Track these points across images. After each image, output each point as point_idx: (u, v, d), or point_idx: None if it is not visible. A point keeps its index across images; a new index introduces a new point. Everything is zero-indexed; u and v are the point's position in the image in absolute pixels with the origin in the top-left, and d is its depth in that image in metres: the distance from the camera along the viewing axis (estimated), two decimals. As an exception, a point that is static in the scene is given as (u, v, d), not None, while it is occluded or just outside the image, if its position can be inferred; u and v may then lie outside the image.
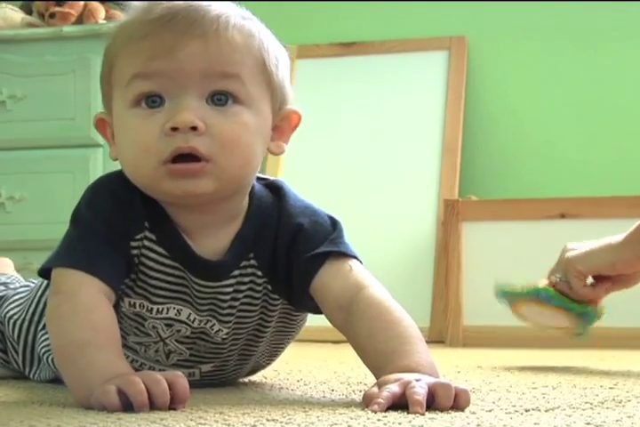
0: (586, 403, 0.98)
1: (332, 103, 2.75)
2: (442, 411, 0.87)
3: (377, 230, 2.65)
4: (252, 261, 1.08)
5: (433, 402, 0.88)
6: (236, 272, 1.07)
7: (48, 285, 1.25)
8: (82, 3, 2.63)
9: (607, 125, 2.71)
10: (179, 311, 1.08)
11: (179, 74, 0.98)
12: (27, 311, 1.25)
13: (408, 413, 0.85)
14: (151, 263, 1.06)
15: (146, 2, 1.04)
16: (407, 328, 1.00)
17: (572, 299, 1.56)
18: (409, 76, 2.79)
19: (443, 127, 2.72)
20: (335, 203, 2.66)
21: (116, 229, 1.03)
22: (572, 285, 1.52)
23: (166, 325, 1.09)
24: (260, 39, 1.04)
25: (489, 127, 2.78)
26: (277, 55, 1.06)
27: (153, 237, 1.05)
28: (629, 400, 1.01)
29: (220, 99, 0.99)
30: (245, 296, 1.09)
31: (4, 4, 2.68)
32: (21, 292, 1.32)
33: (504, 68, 2.79)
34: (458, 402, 0.89)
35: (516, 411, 0.90)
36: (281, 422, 0.81)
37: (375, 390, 0.90)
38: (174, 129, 0.97)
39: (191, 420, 0.82)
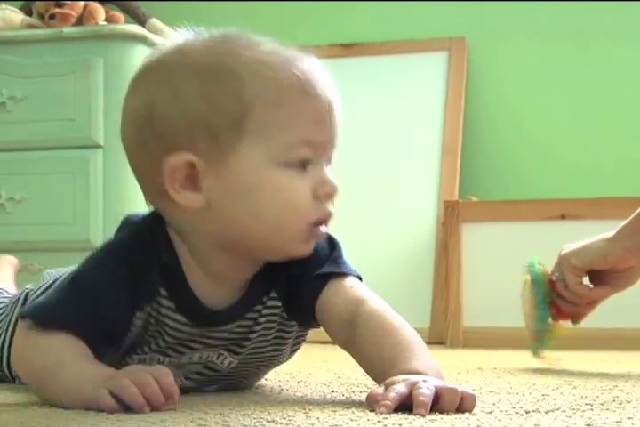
0: (586, 404, 0.98)
1: (332, 104, 2.76)
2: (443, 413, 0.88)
3: (377, 231, 2.65)
4: (273, 294, 1.07)
5: (437, 404, 0.88)
6: (259, 307, 1.07)
7: (25, 302, 1.24)
8: (82, 4, 2.63)
9: (607, 126, 2.71)
10: (190, 358, 1.07)
11: (329, 144, 1.00)
12: (7, 325, 1.25)
13: (411, 413, 0.86)
14: (170, 329, 1.04)
15: (272, 47, 1.03)
16: (409, 335, 1.01)
17: (551, 302, 1.55)
18: (409, 77, 2.79)
19: (443, 128, 2.72)
20: (335, 204, 2.66)
21: (121, 301, 1.00)
22: (568, 281, 1.52)
23: (175, 366, 1.07)
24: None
25: (489, 128, 2.78)
26: None
27: (172, 306, 1.02)
28: (629, 402, 1.01)
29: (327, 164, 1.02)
30: (263, 328, 1.08)
31: (3, 5, 2.68)
32: (1, 303, 1.31)
33: (504, 68, 2.79)
34: (462, 406, 0.89)
35: (517, 412, 0.90)
36: (281, 423, 0.81)
37: (380, 390, 0.90)
38: (328, 195, 1.00)
39: (191, 421, 0.82)
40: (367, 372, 1.01)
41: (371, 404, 0.90)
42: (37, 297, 1.20)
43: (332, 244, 1.09)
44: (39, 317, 0.97)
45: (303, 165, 0.98)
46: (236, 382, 1.15)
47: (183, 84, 0.97)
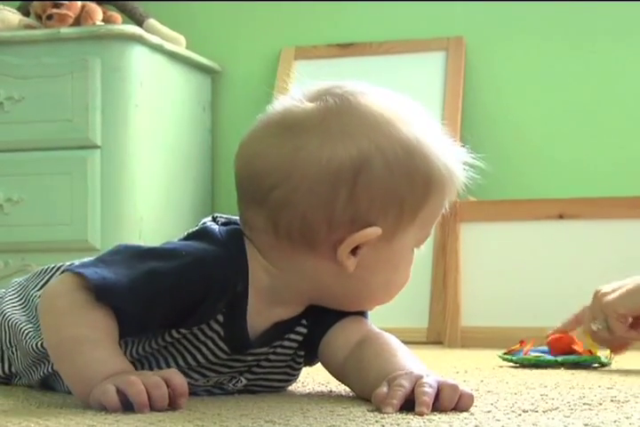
0: (584, 404, 0.98)
1: (329, 104, 2.75)
2: (441, 411, 0.88)
3: (375, 231, 2.65)
4: (304, 321, 1.07)
5: (436, 400, 0.88)
6: (291, 336, 1.07)
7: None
8: (79, 4, 2.63)
9: (605, 126, 2.71)
10: (208, 380, 1.07)
11: None
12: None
13: (411, 411, 0.86)
14: (205, 351, 1.03)
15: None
16: (408, 353, 1.02)
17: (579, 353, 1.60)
18: (406, 76, 2.79)
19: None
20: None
21: (174, 317, 0.99)
22: (616, 329, 1.51)
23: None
24: None
25: (486, 128, 2.78)
26: None
27: (220, 332, 1.02)
28: (628, 401, 1.01)
29: None
30: (282, 353, 1.08)
31: (1, 6, 2.68)
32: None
33: (502, 68, 2.79)
34: (459, 404, 0.89)
35: (514, 412, 0.90)
36: (279, 423, 0.81)
37: (385, 389, 0.90)
38: None
39: (189, 421, 0.82)
40: (362, 389, 1.00)
41: (377, 404, 0.89)
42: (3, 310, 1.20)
43: None
44: (101, 289, 0.94)
45: None
46: None
47: (396, 155, 0.97)
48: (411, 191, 0.98)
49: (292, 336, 1.07)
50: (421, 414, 0.85)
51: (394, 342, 1.04)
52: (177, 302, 0.98)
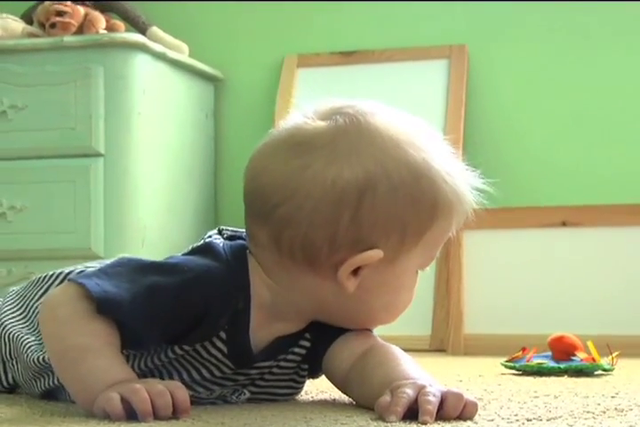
0: (587, 412, 0.98)
1: (332, 112, 2.75)
2: (445, 420, 0.88)
3: (378, 239, 2.65)
4: (307, 335, 1.07)
5: (441, 409, 0.88)
6: (293, 349, 1.07)
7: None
8: (82, 13, 2.63)
9: (608, 133, 2.71)
10: (211, 393, 1.07)
11: None
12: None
13: (415, 420, 0.86)
14: (210, 366, 1.03)
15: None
16: (412, 362, 1.02)
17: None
18: (409, 84, 2.79)
19: (443, 135, 2.71)
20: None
21: (177, 332, 0.99)
22: None
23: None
24: None
25: (489, 135, 2.78)
26: None
27: (224, 349, 1.02)
28: (631, 409, 1.01)
29: None
30: (286, 366, 1.08)
31: (4, 15, 2.68)
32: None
33: (504, 76, 2.79)
34: (463, 413, 0.89)
35: (518, 420, 0.90)
36: (282, 432, 0.81)
37: (388, 398, 0.90)
38: None
39: (192, 430, 0.82)
40: (366, 398, 0.99)
41: (380, 412, 0.89)
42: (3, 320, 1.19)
43: None
44: (103, 302, 0.94)
45: None
46: None
47: (402, 178, 0.98)
48: (415, 215, 0.98)
49: (296, 350, 1.07)
50: (425, 423, 0.85)
51: (397, 351, 1.04)
52: (177, 318, 0.98)
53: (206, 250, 1.03)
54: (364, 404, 1.01)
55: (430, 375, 0.99)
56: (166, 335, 0.99)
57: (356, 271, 0.99)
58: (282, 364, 1.08)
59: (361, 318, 1.04)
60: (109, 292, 0.95)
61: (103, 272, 0.98)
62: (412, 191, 0.97)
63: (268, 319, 1.03)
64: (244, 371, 1.05)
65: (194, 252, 1.04)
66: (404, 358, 1.02)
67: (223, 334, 1.02)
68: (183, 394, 0.89)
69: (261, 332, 1.03)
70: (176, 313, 0.97)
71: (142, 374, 1.03)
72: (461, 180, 1.03)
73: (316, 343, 1.07)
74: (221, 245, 1.03)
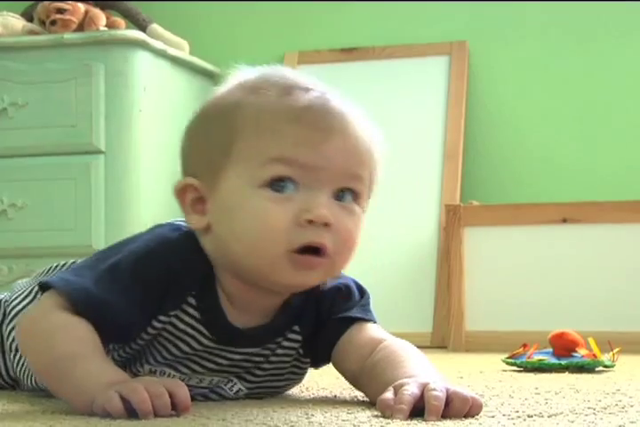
0: (588, 408, 0.98)
1: (333, 109, 2.75)
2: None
3: (379, 236, 2.64)
4: (296, 328, 1.08)
5: (445, 409, 0.88)
6: (280, 339, 1.07)
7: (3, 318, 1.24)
8: (83, 10, 2.63)
9: (609, 130, 2.71)
10: (201, 380, 1.07)
11: (320, 167, 0.98)
12: None
13: (420, 417, 0.86)
14: (188, 339, 1.03)
15: (280, 77, 1.02)
16: (421, 357, 1.02)
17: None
18: (410, 81, 2.79)
19: (444, 132, 2.72)
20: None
21: (148, 303, 1.00)
22: None
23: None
24: (376, 139, 1.06)
25: (490, 132, 2.78)
26: (380, 156, 1.07)
27: (197, 315, 1.03)
28: (632, 406, 1.01)
29: (344, 196, 1.00)
30: (280, 361, 1.09)
31: (4, 12, 2.68)
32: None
33: (505, 72, 2.79)
34: (467, 413, 0.89)
35: (519, 417, 0.90)
36: (283, 428, 0.81)
37: (390, 395, 0.90)
38: (310, 222, 0.96)
39: (194, 427, 0.82)
40: (374, 398, 0.99)
41: (383, 409, 0.89)
42: (14, 307, 1.20)
43: (361, 291, 1.12)
44: (74, 296, 0.97)
45: (277, 184, 0.98)
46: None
47: (196, 124, 1.05)
48: (214, 145, 1.01)
49: (286, 344, 1.08)
50: (433, 421, 0.85)
51: (407, 349, 1.04)
52: (146, 288, 1.00)
53: (160, 226, 1.08)
54: (374, 401, 1.01)
55: (437, 372, 0.99)
56: (144, 309, 1.00)
57: (203, 210, 1.01)
58: (272, 359, 1.08)
59: (232, 259, 1.01)
60: (75, 283, 0.98)
61: (74, 270, 1.03)
62: (207, 128, 1.02)
63: (234, 284, 1.03)
64: (227, 353, 1.05)
65: (149, 230, 1.08)
66: (412, 356, 1.02)
67: (192, 300, 1.02)
68: (184, 392, 0.89)
69: (233, 311, 1.03)
70: (142, 283, 1.00)
71: (126, 359, 1.04)
72: (266, 93, 1.01)
73: (311, 337, 1.08)
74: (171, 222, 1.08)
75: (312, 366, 1.13)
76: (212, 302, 1.03)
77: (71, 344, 0.94)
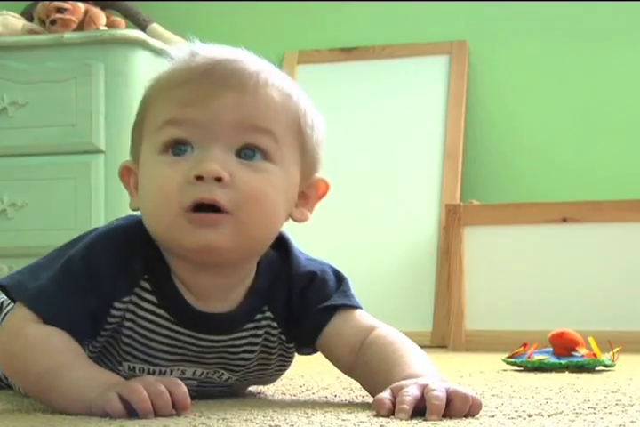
0: (589, 408, 0.98)
1: (332, 109, 2.75)
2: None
3: (379, 235, 2.65)
4: (268, 313, 1.07)
5: (446, 409, 0.88)
6: (250, 325, 1.06)
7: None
8: (83, 9, 2.63)
9: (608, 129, 2.71)
10: (183, 371, 1.06)
11: (210, 123, 0.97)
12: None
13: (419, 417, 0.86)
14: (152, 326, 1.03)
15: (190, 49, 1.02)
16: (417, 351, 1.01)
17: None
18: (410, 80, 2.79)
19: (444, 132, 2.72)
20: (337, 208, 2.67)
21: (102, 289, 1.00)
22: None
23: None
24: (298, 101, 1.02)
25: (490, 132, 2.78)
26: (314, 121, 1.04)
27: (154, 300, 1.02)
28: (632, 405, 1.01)
29: (248, 153, 0.98)
30: (263, 349, 1.08)
31: (4, 12, 2.68)
32: None
33: (505, 72, 2.79)
34: (468, 413, 0.89)
35: (519, 416, 0.90)
36: (284, 428, 0.81)
37: (387, 395, 0.90)
38: (199, 178, 0.95)
39: (194, 426, 0.82)
40: (373, 390, 1.00)
41: (378, 409, 0.89)
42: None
43: (338, 277, 1.09)
44: (37, 304, 0.98)
45: (174, 147, 0.98)
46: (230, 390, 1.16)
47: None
48: (136, 122, 1.03)
49: (259, 331, 1.06)
50: (434, 420, 0.85)
51: (401, 339, 1.03)
52: (101, 276, 1.00)
53: (118, 218, 1.10)
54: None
55: (433, 368, 0.98)
56: (101, 297, 1.00)
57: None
58: (252, 348, 1.06)
59: (152, 233, 1.01)
60: (35, 289, 0.99)
61: (29, 270, 1.04)
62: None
63: (203, 282, 1.02)
64: (197, 340, 1.04)
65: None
66: (409, 352, 1.01)
67: (146, 285, 1.02)
68: (182, 391, 0.89)
69: (207, 294, 1.03)
70: (94, 272, 1.00)
71: (94, 358, 1.04)
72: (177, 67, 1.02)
73: (290, 324, 1.06)
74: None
75: (296, 351, 1.12)
76: (166, 285, 1.02)
77: (52, 357, 0.94)
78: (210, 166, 0.95)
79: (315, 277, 1.07)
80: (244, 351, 1.07)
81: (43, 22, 2.64)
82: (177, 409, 0.88)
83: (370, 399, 1.03)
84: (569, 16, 2.74)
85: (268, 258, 1.07)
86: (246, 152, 0.98)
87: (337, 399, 1.09)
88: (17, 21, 2.66)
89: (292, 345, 1.10)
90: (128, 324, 1.03)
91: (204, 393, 1.09)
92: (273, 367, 1.12)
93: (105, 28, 2.63)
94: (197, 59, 1.00)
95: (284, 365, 1.13)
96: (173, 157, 0.97)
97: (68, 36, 2.52)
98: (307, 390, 1.22)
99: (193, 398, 0.91)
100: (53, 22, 2.59)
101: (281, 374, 1.17)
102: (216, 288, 1.03)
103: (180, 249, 0.99)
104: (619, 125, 2.70)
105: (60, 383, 0.92)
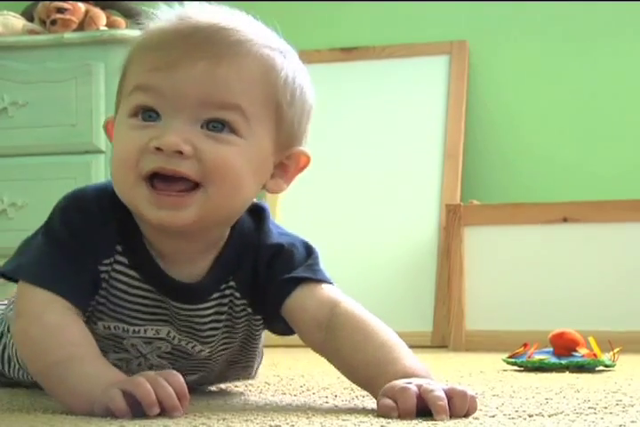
0: (589, 408, 0.98)
1: (332, 109, 2.76)
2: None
3: (379, 236, 2.65)
4: (231, 283, 1.06)
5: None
6: (216, 295, 1.06)
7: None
8: (83, 9, 2.63)
9: (609, 129, 2.71)
10: (157, 331, 1.07)
11: (175, 95, 0.95)
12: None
13: (419, 417, 0.86)
14: (124, 287, 1.04)
15: (180, 12, 1.00)
16: (388, 336, 0.99)
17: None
18: (410, 80, 2.79)
19: (444, 132, 2.72)
20: (337, 208, 2.67)
21: (87, 250, 1.01)
22: None
23: (145, 342, 1.08)
24: (280, 73, 1.00)
25: (490, 132, 2.78)
26: (295, 92, 1.02)
27: (125, 261, 1.03)
28: (633, 405, 1.01)
29: (215, 126, 0.96)
30: (227, 319, 1.08)
31: (5, 11, 2.68)
32: None
33: (505, 72, 2.79)
34: (468, 411, 0.89)
35: (520, 416, 0.90)
36: (284, 428, 0.81)
37: (389, 400, 0.89)
38: (158, 149, 0.94)
39: (194, 426, 0.82)
40: (346, 376, 1.00)
41: (388, 413, 0.88)
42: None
43: (308, 250, 1.07)
44: (24, 277, 1.00)
45: (143, 113, 0.97)
46: (215, 376, 1.16)
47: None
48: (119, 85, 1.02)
49: (224, 300, 1.06)
50: (443, 420, 0.85)
51: (365, 322, 1.00)
52: (80, 234, 1.01)
53: None
54: (347, 379, 1.01)
55: (412, 355, 0.97)
56: (92, 257, 1.01)
57: None
58: (220, 318, 1.07)
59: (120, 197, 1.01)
60: (15, 265, 1.02)
61: (15, 254, 1.07)
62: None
63: (169, 246, 1.03)
64: (185, 311, 1.05)
65: None
66: (380, 341, 0.98)
67: (119, 247, 1.02)
68: (179, 381, 0.89)
69: (175, 259, 1.03)
70: (77, 233, 1.01)
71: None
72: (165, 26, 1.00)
73: (255, 296, 1.06)
74: None
75: (267, 328, 1.11)
76: (138, 248, 1.02)
77: (66, 348, 0.95)
78: (169, 139, 0.94)
79: (282, 249, 1.05)
80: (212, 321, 1.07)
81: (43, 22, 2.64)
82: (178, 397, 0.88)
83: (370, 400, 1.03)
84: (568, 16, 2.74)
85: (242, 228, 1.06)
86: (214, 124, 0.96)
87: (337, 399, 1.09)
88: (17, 21, 2.66)
89: (259, 317, 1.09)
90: (104, 283, 1.03)
91: (181, 369, 1.07)
92: (239, 342, 1.11)
93: (105, 29, 2.63)
94: (181, 22, 0.98)
95: (253, 344, 1.13)
96: (141, 122, 0.97)
97: (69, 36, 2.53)
98: (307, 390, 1.22)
99: (190, 391, 0.91)
100: (54, 22, 2.59)
101: (254, 363, 1.17)
102: (182, 253, 1.03)
103: (141, 216, 1.00)
104: (619, 125, 2.70)
105: (68, 377, 0.93)
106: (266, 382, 1.32)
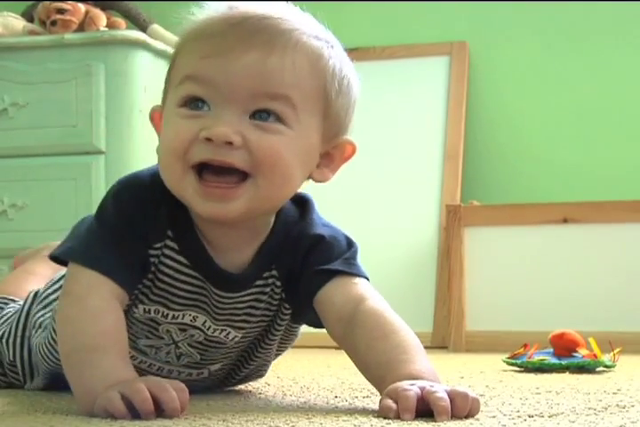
0: (589, 409, 0.98)
1: (333, 109, 2.75)
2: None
3: (379, 236, 2.65)
4: (274, 272, 1.07)
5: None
6: (259, 282, 1.07)
7: (33, 300, 1.24)
8: (83, 10, 2.63)
9: (609, 130, 2.71)
10: (194, 318, 1.07)
11: (227, 86, 0.95)
12: (15, 328, 1.25)
13: (422, 418, 0.86)
14: (171, 272, 1.04)
15: (229, 3, 1.00)
16: (406, 337, 1.00)
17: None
18: (410, 81, 2.79)
19: (444, 132, 2.72)
20: (337, 208, 2.67)
21: (138, 234, 1.01)
22: None
23: (180, 329, 1.09)
24: (328, 63, 1.00)
25: (490, 132, 2.78)
26: (342, 82, 1.02)
27: (175, 247, 1.03)
28: (633, 406, 1.01)
29: (263, 115, 0.96)
30: (266, 308, 1.09)
31: (5, 12, 2.68)
32: (8, 313, 1.31)
33: (505, 73, 2.79)
34: (470, 411, 0.89)
35: (520, 417, 0.90)
36: (284, 429, 0.81)
37: (390, 401, 0.89)
38: (208, 139, 0.94)
39: (194, 427, 0.82)
40: (361, 373, 1.01)
41: (386, 413, 0.88)
42: (46, 291, 1.22)
43: (349, 244, 1.08)
44: (75, 258, 1.00)
45: (192, 103, 0.97)
46: (236, 366, 1.17)
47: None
48: (167, 73, 1.03)
49: (267, 289, 1.07)
50: (444, 421, 0.85)
51: (384, 322, 1.01)
52: (132, 220, 1.01)
53: None
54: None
55: (424, 358, 0.97)
56: (142, 242, 1.02)
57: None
58: (257, 304, 1.07)
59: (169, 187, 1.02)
60: (66, 248, 1.02)
61: (74, 239, 1.04)
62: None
63: (216, 234, 1.03)
64: (227, 299, 1.05)
65: None
66: (396, 342, 0.99)
67: (170, 233, 1.03)
68: (183, 396, 0.89)
69: (221, 247, 1.03)
70: (129, 219, 1.01)
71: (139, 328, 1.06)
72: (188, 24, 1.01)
73: (290, 285, 1.07)
74: None
75: (292, 319, 1.12)
76: (189, 234, 1.03)
77: (95, 337, 0.95)
78: (220, 130, 0.94)
79: (322, 239, 1.06)
80: (250, 307, 1.08)
81: (43, 23, 2.64)
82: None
83: (370, 401, 1.03)
84: (569, 16, 2.75)
85: (287, 216, 1.07)
86: (261, 114, 0.96)
87: (338, 401, 1.09)
88: (17, 22, 2.67)
89: (288, 307, 1.09)
90: (152, 267, 1.04)
91: (208, 359, 1.10)
92: (261, 330, 1.12)
93: (105, 29, 2.63)
94: (229, 11, 0.98)
95: (274, 336, 1.13)
96: (190, 111, 0.97)
97: (69, 36, 2.53)
98: (308, 391, 1.22)
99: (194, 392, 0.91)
100: (54, 23, 2.59)
101: (271, 358, 1.17)
102: (229, 240, 1.04)
103: (189, 206, 1.01)
104: (619, 126, 2.70)
105: (85, 367, 0.93)
106: (266, 383, 1.32)
